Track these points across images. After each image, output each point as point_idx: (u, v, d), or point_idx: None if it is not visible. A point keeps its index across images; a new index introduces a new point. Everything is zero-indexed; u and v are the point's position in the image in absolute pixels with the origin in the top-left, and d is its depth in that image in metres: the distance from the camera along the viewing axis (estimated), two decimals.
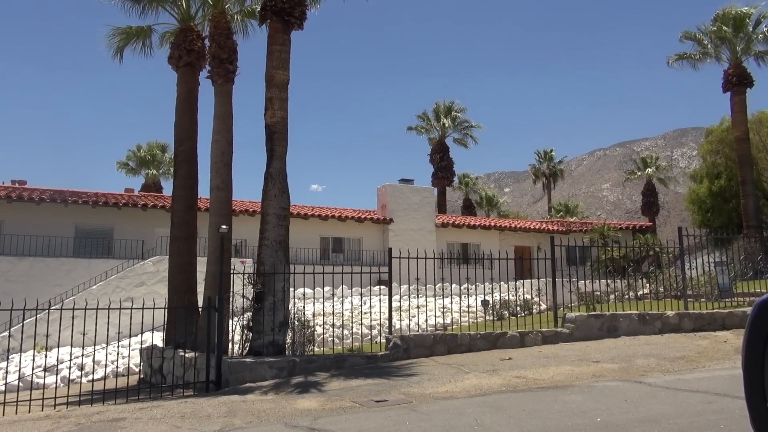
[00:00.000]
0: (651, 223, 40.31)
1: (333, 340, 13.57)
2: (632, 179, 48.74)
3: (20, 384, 12.53)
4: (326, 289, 17.32)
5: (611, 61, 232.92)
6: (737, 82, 26.01)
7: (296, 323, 11.88)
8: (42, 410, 8.65)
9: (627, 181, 50.86)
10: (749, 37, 26.66)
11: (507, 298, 16.01)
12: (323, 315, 14.13)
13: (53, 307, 14.82)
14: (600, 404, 6.36)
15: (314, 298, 13.88)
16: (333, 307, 13.08)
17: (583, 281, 15.73)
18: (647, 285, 16.43)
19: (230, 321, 11.35)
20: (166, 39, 17.91)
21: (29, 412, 8.60)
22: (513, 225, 33.66)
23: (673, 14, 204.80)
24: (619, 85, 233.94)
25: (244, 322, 11.50)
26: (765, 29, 26.46)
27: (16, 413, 8.49)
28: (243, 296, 11.33)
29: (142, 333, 15.97)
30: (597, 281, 15.79)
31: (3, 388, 10.99)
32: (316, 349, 12.42)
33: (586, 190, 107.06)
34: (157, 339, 16.80)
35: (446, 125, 42.74)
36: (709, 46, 27.27)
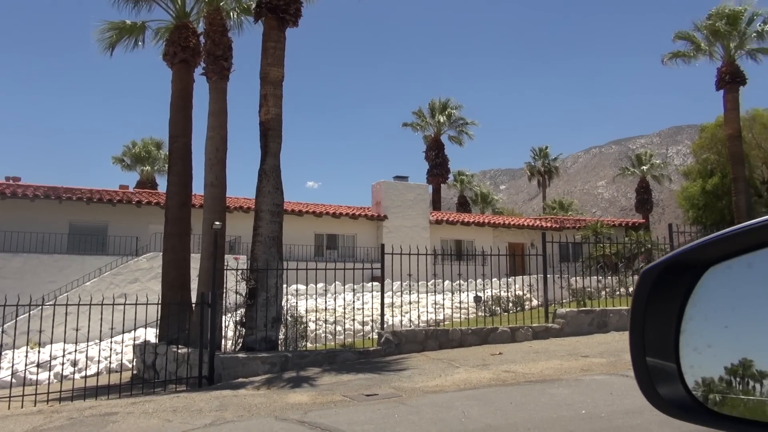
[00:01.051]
0: (644, 221, 40.48)
1: (325, 336, 13.65)
2: (626, 176, 48.95)
3: (13, 380, 12.55)
4: (319, 285, 17.37)
5: (608, 59, 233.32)
6: (730, 80, 26.14)
7: (289, 319, 11.95)
8: (35, 405, 8.71)
9: (620, 177, 51.09)
10: (743, 35, 26.79)
11: (499, 294, 16.11)
12: (316, 311, 14.20)
13: (47, 303, 14.82)
14: (586, 397, 6.46)
15: (307, 294, 13.93)
16: (326, 303, 13.16)
17: (575, 277, 15.85)
18: None
19: (223, 317, 11.41)
20: (160, 35, 17.92)
21: (22, 407, 8.65)
22: (507, 222, 33.78)
23: (669, 12, 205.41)
24: (615, 83, 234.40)
25: (238, 318, 11.56)
26: (758, 27, 26.59)
27: (9, 408, 8.55)
28: (236, 292, 11.39)
29: (135, 329, 15.99)
30: (589, 278, 15.91)
31: None
32: (308, 344, 12.50)
33: (581, 188, 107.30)
34: (151, 335, 16.84)
35: (441, 122, 42.81)
36: (702, 44, 27.39)
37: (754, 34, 26.77)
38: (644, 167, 46.36)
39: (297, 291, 14.77)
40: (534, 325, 12.12)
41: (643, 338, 0.95)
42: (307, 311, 13.50)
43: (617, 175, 51.09)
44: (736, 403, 0.85)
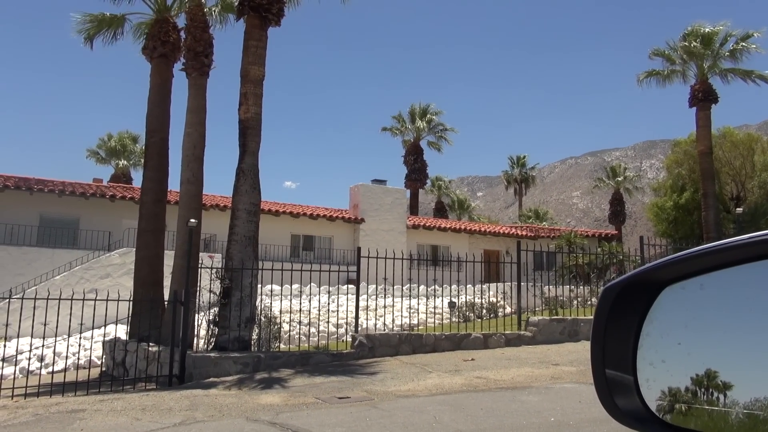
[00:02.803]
0: (617, 232, 41.18)
1: (299, 338, 13.60)
2: (601, 188, 49.76)
3: None
4: (295, 286, 17.28)
5: (586, 71, 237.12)
6: (703, 97, 26.77)
7: (263, 319, 11.88)
8: None
9: (595, 189, 51.90)
10: (716, 55, 27.47)
11: (473, 300, 16.25)
12: (290, 312, 14.13)
13: (14, 297, 14.51)
14: (555, 405, 6.56)
15: (282, 295, 13.86)
16: (301, 304, 13.11)
17: (548, 286, 16.06)
18: None
19: (196, 316, 11.30)
20: (141, 29, 17.71)
21: None
22: (483, 229, 34.05)
23: (644, 33, 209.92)
24: (593, 95, 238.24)
25: (211, 317, 11.46)
26: (731, 47, 27.28)
27: None
28: (210, 291, 11.28)
29: (105, 325, 15.70)
30: (561, 287, 16.13)
31: None
32: (282, 346, 12.43)
33: (557, 197, 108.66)
34: (121, 332, 16.58)
35: (421, 127, 42.98)
36: (677, 62, 28.01)
37: (727, 54, 27.46)
38: (618, 179, 47.18)
39: (272, 291, 14.68)
40: (507, 332, 12.25)
41: (604, 351, 1.02)
42: (281, 312, 13.43)
43: (593, 186, 51.88)
44: (699, 413, 0.90)
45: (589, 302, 15.70)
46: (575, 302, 15.31)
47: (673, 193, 34.20)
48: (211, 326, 11.33)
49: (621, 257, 19.53)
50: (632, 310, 1.01)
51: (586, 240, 30.05)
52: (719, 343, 0.90)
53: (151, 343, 11.70)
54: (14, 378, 9.63)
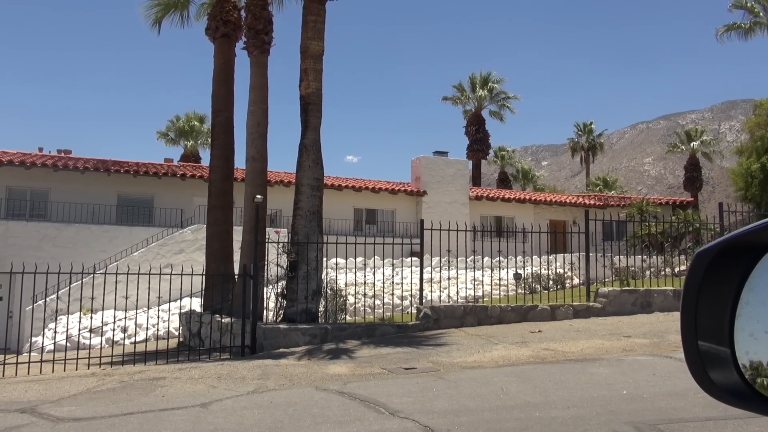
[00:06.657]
0: (693, 199, 39.15)
1: (364, 310, 13.79)
2: (675, 152, 47.31)
3: (68, 344, 13.18)
4: (359, 259, 17.53)
5: (658, 29, 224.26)
6: None
7: (329, 292, 12.11)
8: (88, 368, 9.13)
9: (669, 154, 49.42)
10: None
11: (539, 271, 15.95)
12: (355, 285, 14.33)
13: (98, 272, 15.40)
14: (627, 377, 6.37)
15: (347, 268, 14.07)
16: (365, 277, 13.26)
17: (618, 256, 15.53)
18: (686, 261, 16.12)
19: (265, 289, 11.65)
20: (203, 10, 18.09)
21: (76, 369, 9.08)
22: (548, 199, 33.20)
23: None
24: (665, 54, 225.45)
25: (279, 290, 11.79)
26: None
27: (65, 370, 8.98)
28: (278, 265, 11.58)
29: (181, 298, 16.47)
30: (633, 257, 15.56)
31: (52, 347, 11.62)
32: (348, 317, 12.67)
33: (627, 164, 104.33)
34: (196, 304, 17.34)
35: (482, 96, 42.04)
36: (761, 13, 25.99)
37: None
38: (694, 144, 44.66)
39: (336, 265, 14.92)
40: (575, 303, 11.96)
41: (696, 322, 0.93)
42: (346, 285, 13.65)
43: (666, 152, 49.42)
44: None
45: (663, 273, 15.08)
46: (648, 273, 14.74)
47: (760, 156, 31.95)
48: (279, 299, 11.66)
49: (698, 225, 18.60)
50: (729, 276, 0.92)
51: (659, 208, 28.78)
52: None
53: (223, 315, 12.19)
54: (101, 347, 10.29)
